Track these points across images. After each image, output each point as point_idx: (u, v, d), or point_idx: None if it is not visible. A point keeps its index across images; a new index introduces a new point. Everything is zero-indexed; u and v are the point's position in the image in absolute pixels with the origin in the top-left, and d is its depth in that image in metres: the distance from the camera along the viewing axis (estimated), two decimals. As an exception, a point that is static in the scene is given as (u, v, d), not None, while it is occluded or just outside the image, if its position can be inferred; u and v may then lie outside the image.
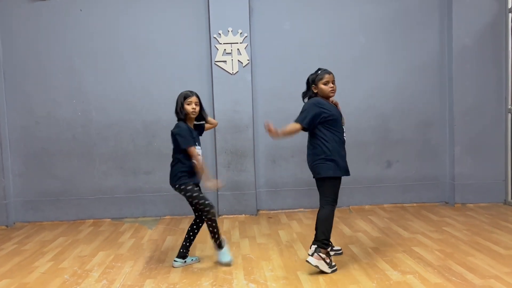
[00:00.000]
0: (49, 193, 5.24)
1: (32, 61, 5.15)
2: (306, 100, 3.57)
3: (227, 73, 5.12)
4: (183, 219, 5.15)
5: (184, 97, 3.50)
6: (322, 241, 3.35)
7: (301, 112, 3.46)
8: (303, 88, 3.63)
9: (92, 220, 5.25)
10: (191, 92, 3.54)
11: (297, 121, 3.42)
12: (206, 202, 3.47)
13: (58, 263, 3.81)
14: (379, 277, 3.26)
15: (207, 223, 3.53)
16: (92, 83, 5.20)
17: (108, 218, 5.28)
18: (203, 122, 3.72)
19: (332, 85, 3.45)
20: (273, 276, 3.36)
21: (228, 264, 3.57)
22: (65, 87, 5.19)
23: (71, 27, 5.14)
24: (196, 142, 3.56)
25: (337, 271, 3.38)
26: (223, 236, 3.66)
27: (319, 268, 3.31)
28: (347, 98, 4.98)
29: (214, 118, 4.96)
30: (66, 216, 5.26)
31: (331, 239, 3.85)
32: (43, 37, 5.14)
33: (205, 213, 3.48)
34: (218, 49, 5.10)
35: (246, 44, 5.11)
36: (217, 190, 3.31)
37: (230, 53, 5.11)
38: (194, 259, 3.72)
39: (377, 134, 5.40)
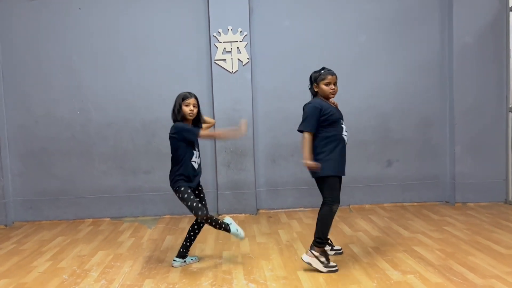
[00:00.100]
0: (48, 192, 5.22)
1: (31, 60, 5.13)
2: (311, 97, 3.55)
3: (226, 71, 5.10)
4: (183, 218, 5.14)
5: (182, 98, 3.47)
6: (316, 239, 3.40)
7: (304, 118, 3.42)
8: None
9: (91, 220, 5.23)
10: (189, 93, 3.49)
11: (304, 129, 3.38)
12: (194, 204, 3.42)
13: (56, 263, 3.80)
14: (379, 276, 3.25)
15: (207, 224, 3.52)
16: (92, 82, 5.18)
17: (108, 218, 5.26)
18: (200, 124, 3.68)
19: (333, 87, 3.43)
20: (273, 275, 3.35)
21: (240, 238, 3.60)
22: (65, 86, 5.17)
23: (71, 26, 5.12)
24: (194, 147, 3.53)
25: (338, 271, 3.36)
26: (227, 219, 3.59)
27: (312, 266, 3.36)
28: (347, 98, 4.96)
29: (213, 117, 4.96)
30: (65, 215, 5.24)
31: (332, 239, 3.86)
32: (43, 36, 5.12)
33: (196, 217, 3.47)
34: (218, 48, 5.08)
35: (246, 42, 5.09)
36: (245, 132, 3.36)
37: (230, 51, 5.09)
38: (193, 259, 3.70)
39: (377, 134, 5.38)
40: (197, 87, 4.84)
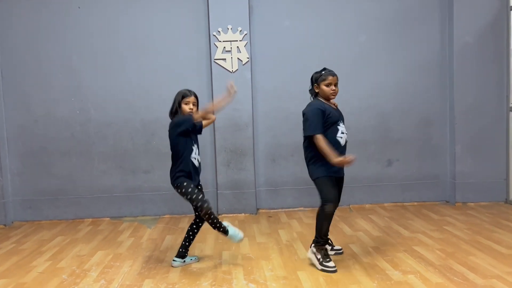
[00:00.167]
0: (48, 192, 5.21)
1: (31, 60, 5.12)
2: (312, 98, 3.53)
3: (226, 71, 5.09)
4: (182, 218, 5.12)
5: (182, 96, 3.45)
6: (315, 237, 3.48)
7: (307, 121, 3.35)
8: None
9: (91, 219, 5.22)
10: (189, 91, 3.47)
11: (315, 133, 3.29)
12: (199, 197, 3.38)
13: (56, 263, 3.79)
14: (380, 277, 3.24)
15: (205, 220, 3.46)
16: (91, 82, 5.16)
17: (107, 217, 5.25)
18: (200, 121, 3.67)
19: (334, 88, 3.41)
20: (273, 276, 3.34)
21: (239, 241, 3.59)
22: (64, 85, 5.16)
23: (71, 26, 5.11)
24: (193, 143, 3.51)
25: (338, 271, 3.35)
26: (225, 223, 3.54)
27: (311, 261, 3.50)
28: (347, 97, 4.96)
29: (213, 117, 4.94)
30: (65, 215, 5.23)
31: (332, 238, 3.86)
32: (42, 36, 5.10)
33: (200, 209, 3.39)
34: (217, 47, 5.07)
35: (246, 41, 5.08)
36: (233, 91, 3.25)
37: (229, 51, 5.08)
38: (193, 258, 3.69)
39: (377, 133, 5.37)
40: (196, 87, 4.81)
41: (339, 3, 5.26)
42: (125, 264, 3.71)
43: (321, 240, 3.45)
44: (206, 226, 3.59)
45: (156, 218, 5.22)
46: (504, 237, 4.03)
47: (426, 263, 3.46)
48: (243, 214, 5.22)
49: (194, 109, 3.46)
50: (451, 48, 5.25)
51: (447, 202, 5.44)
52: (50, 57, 5.12)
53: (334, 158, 3.23)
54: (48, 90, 5.15)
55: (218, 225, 3.46)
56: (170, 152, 3.53)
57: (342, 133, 3.43)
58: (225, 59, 5.08)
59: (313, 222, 3.64)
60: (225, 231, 3.49)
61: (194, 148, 3.50)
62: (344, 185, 3.63)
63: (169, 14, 5.15)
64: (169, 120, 3.53)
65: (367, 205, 5.40)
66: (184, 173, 3.44)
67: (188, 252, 3.67)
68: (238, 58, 5.08)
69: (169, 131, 3.46)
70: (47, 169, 5.20)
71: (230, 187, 5.19)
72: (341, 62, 5.09)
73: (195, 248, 3.99)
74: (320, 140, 3.28)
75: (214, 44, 5.07)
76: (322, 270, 3.36)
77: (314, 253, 3.47)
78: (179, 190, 3.46)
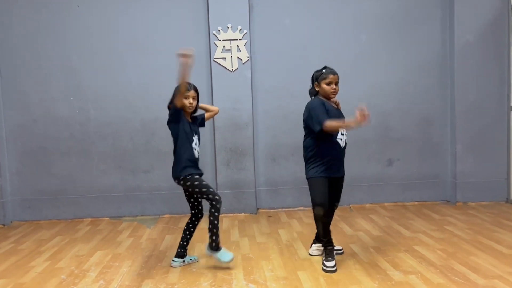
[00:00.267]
0: (47, 191, 5.20)
1: (30, 59, 5.10)
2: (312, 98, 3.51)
3: (226, 70, 5.07)
4: (182, 217, 5.10)
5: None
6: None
7: (312, 118, 3.29)
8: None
9: (90, 219, 5.20)
10: (189, 84, 3.39)
11: (322, 124, 3.20)
12: (210, 189, 3.32)
13: (55, 263, 3.77)
14: (380, 277, 3.22)
15: (210, 218, 3.35)
16: (91, 82, 5.15)
17: (106, 217, 5.23)
18: (203, 112, 3.64)
19: (334, 87, 3.39)
20: (273, 276, 3.32)
21: (230, 262, 3.46)
22: (63, 85, 5.14)
23: (70, 25, 5.09)
24: (193, 133, 3.45)
25: (338, 271, 3.34)
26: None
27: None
28: (347, 97, 4.91)
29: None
30: (64, 214, 5.21)
31: (332, 238, 3.82)
32: (42, 35, 5.08)
33: (214, 201, 3.31)
34: (217, 46, 5.05)
35: (246, 40, 5.06)
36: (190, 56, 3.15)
37: (229, 50, 5.06)
38: (193, 258, 3.67)
39: (378, 133, 5.35)
40: (196, 85, 4.80)
41: (339, 2, 5.23)
42: (124, 264, 3.69)
43: (323, 240, 3.45)
44: (203, 225, 3.56)
45: (156, 218, 5.20)
46: (505, 237, 4.01)
47: (427, 263, 3.44)
48: (243, 214, 5.20)
49: (194, 103, 3.41)
50: (451, 47, 5.23)
51: (448, 201, 5.42)
52: (50, 56, 5.11)
53: (347, 123, 3.25)
54: (48, 89, 5.13)
55: (217, 233, 3.39)
56: (170, 152, 3.51)
57: (342, 134, 3.40)
58: (225, 58, 5.06)
59: (313, 221, 3.62)
60: (218, 246, 3.41)
61: (195, 138, 3.46)
62: (344, 185, 3.61)
63: (169, 13, 5.13)
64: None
65: (367, 205, 5.39)
66: (190, 163, 3.37)
67: (188, 252, 3.64)
68: (238, 57, 5.06)
69: (168, 119, 3.43)
70: (46, 168, 5.18)
71: (230, 186, 5.18)
72: (341, 61, 5.06)
73: (195, 248, 3.97)
74: (328, 124, 3.20)
75: (214, 43, 5.05)
76: (323, 270, 3.35)
77: (318, 249, 3.68)
78: (188, 183, 3.35)
